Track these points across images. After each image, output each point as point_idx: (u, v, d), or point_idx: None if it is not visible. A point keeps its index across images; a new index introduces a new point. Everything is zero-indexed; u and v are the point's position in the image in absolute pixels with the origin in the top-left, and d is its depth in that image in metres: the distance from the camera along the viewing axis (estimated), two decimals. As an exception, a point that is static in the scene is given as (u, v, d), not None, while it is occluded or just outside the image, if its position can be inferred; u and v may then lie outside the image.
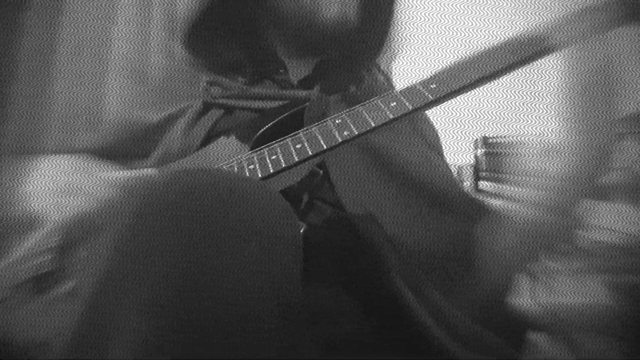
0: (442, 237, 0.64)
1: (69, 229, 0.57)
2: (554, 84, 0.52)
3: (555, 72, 0.52)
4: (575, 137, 0.52)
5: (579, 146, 0.52)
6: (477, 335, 0.57)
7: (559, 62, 0.52)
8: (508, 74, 0.52)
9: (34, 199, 0.60)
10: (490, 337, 0.58)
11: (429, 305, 0.57)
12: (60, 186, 0.60)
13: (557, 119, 0.53)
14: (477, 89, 0.52)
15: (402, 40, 0.86)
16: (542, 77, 0.55)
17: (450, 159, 0.83)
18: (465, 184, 1.49)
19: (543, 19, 0.51)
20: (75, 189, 0.59)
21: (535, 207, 0.56)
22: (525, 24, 0.52)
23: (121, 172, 0.64)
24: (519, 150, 0.57)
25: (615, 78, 0.50)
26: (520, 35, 0.52)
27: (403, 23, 0.84)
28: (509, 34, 0.53)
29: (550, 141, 0.54)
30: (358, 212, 0.63)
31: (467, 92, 0.52)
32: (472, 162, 1.49)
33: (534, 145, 0.56)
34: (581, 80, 0.51)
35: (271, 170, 0.57)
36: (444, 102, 0.52)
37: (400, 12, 0.83)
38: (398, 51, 0.88)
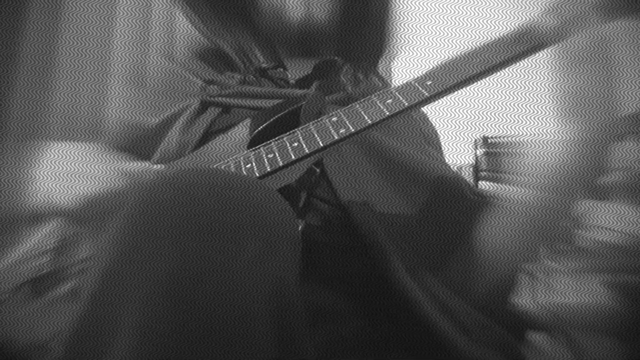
0: (443, 226, 0.64)
1: (72, 219, 0.56)
2: (549, 81, 0.52)
3: (550, 69, 0.52)
4: (573, 136, 0.51)
5: (576, 145, 0.52)
6: (482, 327, 0.57)
7: (554, 58, 0.51)
8: (504, 69, 0.52)
9: (41, 186, 0.59)
10: (495, 328, 0.58)
11: (433, 296, 0.57)
12: (67, 172, 0.59)
13: (553, 117, 0.53)
14: (473, 85, 0.52)
15: (400, 39, 0.86)
16: (537, 73, 0.55)
17: (450, 159, 0.83)
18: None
19: (539, 14, 0.51)
20: (83, 176, 0.58)
21: (534, 207, 0.56)
22: (522, 19, 0.52)
23: (130, 164, 0.63)
24: (519, 150, 0.57)
25: (615, 74, 0.49)
26: (516, 29, 0.52)
27: (401, 21, 0.85)
28: (505, 29, 0.53)
29: (547, 140, 0.54)
30: (354, 201, 0.63)
31: (463, 88, 0.52)
32: (472, 162, 1.49)
33: (533, 145, 0.55)
34: (578, 76, 0.50)
35: (268, 169, 0.57)
36: (440, 98, 0.52)
37: (395, 12, 0.84)
38: (397, 51, 0.88)
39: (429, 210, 0.65)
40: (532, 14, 0.51)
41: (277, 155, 0.57)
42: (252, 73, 0.79)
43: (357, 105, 0.56)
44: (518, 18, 0.53)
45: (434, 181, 0.67)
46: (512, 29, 0.52)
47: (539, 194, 0.55)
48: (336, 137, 0.54)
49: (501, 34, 0.52)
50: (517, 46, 0.50)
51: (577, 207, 0.55)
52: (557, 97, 0.51)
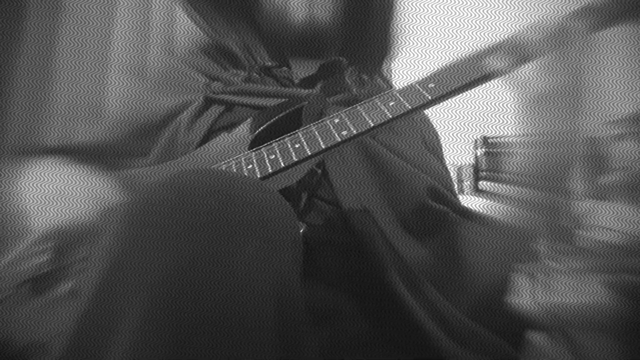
0: (428, 243, 0.65)
1: (63, 233, 0.57)
2: (528, 87, 0.53)
3: (533, 76, 0.52)
4: (535, 142, 0.52)
5: (537, 153, 0.53)
6: (475, 334, 0.57)
7: (537, 66, 0.52)
8: (507, 73, 0.52)
9: (23, 207, 0.60)
10: (488, 335, 0.58)
11: (426, 303, 0.58)
12: (49, 193, 0.60)
13: (521, 123, 0.54)
14: (475, 88, 0.52)
15: (404, 40, 0.86)
16: (522, 78, 0.55)
17: (450, 159, 0.84)
18: (465, 183, 1.49)
19: (542, 16, 0.51)
20: (65, 196, 0.59)
21: (535, 207, 0.56)
22: (526, 20, 0.52)
23: (114, 174, 0.63)
24: (519, 150, 0.57)
25: (583, 89, 0.50)
26: (519, 33, 0.52)
27: (405, 22, 0.85)
28: (510, 30, 0.53)
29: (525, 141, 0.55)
30: (355, 208, 0.63)
31: (465, 91, 0.52)
32: (472, 162, 1.48)
33: (528, 144, 0.56)
34: (550, 86, 0.51)
35: (270, 170, 0.57)
36: (442, 101, 0.52)
37: (399, 13, 0.84)
38: (399, 52, 0.88)
39: (415, 225, 0.66)
40: (537, 15, 0.51)
41: (278, 156, 0.57)
42: (257, 71, 0.79)
43: (360, 107, 0.56)
44: (522, 19, 0.53)
45: (419, 199, 0.68)
46: (517, 31, 0.52)
47: (540, 194, 0.55)
48: (338, 139, 0.54)
49: (506, 36, 0.52)
50: (521, 50, 0.50)
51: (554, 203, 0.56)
52: (527, 106, 0.52)
